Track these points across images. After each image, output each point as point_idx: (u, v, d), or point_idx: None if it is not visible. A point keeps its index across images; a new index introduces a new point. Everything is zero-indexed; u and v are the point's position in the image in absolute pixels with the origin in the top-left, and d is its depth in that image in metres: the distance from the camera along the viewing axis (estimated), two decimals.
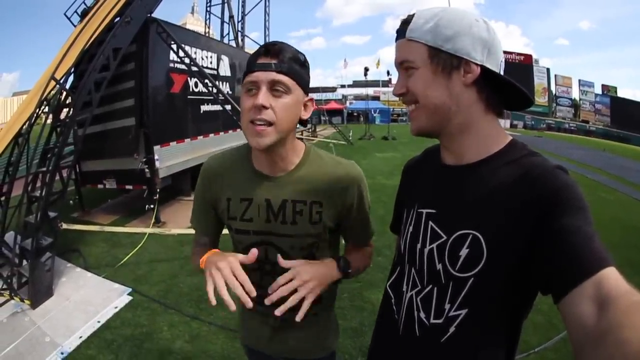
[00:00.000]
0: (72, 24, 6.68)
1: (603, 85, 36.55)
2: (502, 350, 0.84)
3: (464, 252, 0.81)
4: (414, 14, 0.85)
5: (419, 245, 0.92)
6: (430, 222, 0.90)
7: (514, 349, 0.86)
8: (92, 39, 4.96)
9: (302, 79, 1.09)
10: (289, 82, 1.05)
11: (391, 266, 1.10)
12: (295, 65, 1.06)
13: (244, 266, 1.02)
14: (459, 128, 0.85)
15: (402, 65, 0.86)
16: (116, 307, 3.85)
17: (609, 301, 0.56)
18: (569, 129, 33.33)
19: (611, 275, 0.60)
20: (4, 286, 3.94)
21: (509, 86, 0.84)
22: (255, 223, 1.19)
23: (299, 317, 1.02)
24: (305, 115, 1.13)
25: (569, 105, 37.43)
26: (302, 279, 1.04)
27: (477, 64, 0.80)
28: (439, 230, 0.87)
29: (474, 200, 0.83)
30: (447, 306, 0.85)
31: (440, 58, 0.80)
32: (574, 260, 0.63)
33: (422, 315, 0.90)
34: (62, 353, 3.16)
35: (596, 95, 36.39)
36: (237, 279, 0.96)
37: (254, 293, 0.95)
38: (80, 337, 3.39)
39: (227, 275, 0.96)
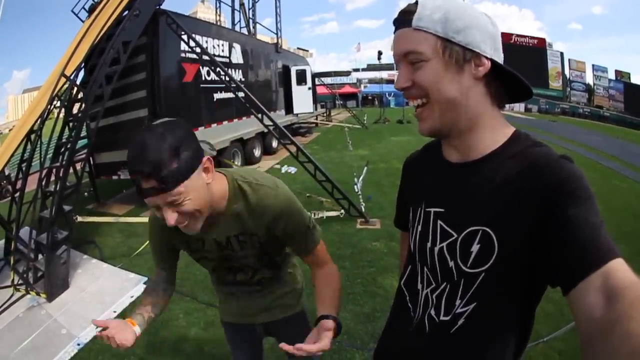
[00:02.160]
0: (80, 20, 6.70)
1: (616, 71, 35.59)
2: (512, 339, 0.85)
3: (475, 248, 0.80)
4: (416, 3, 0.79)
5: (429, 244, 0.91)
6: (439, 221, 0.89)
7: (526, 337, 0.87)
8: (101, 33, 4.95)
9: (188, 171, 1.02)
10: (179, 191, 1.01)
11: (403, 263, 1.10)
12: (174, 169, 0.99)
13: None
14: (468, 124, 0.82)
15: (407, 56, 0.79)
16: (132, 297, 3.88)
17: (617, 293, 0.56)
18: (583, 113, 32.61)
19: (619, 267, 0.60)
20: (20, 281, 4.01)
21: (513, 79, 0.82)
22: (212, 253, 1.36)
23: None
24: (209, 178, 1.12)
25: (583, 90, 36.64)
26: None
27: (487, 58, 0.78)
28: (448, 229, 0.86)
29: (482, 196, 0.81)
30: (457, 302, 0.85)
31: (453, 50, 0.76)
32: (581, 252, 0.63)
33: (433, 312, 0.90)
34: (78, 344, 3.20)
35: (610, 80, 35.50)
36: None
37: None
38: (96, 327, 3.44)
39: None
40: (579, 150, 13.31)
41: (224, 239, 1.29)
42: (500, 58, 0.81)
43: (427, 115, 0.82)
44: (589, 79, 36.69)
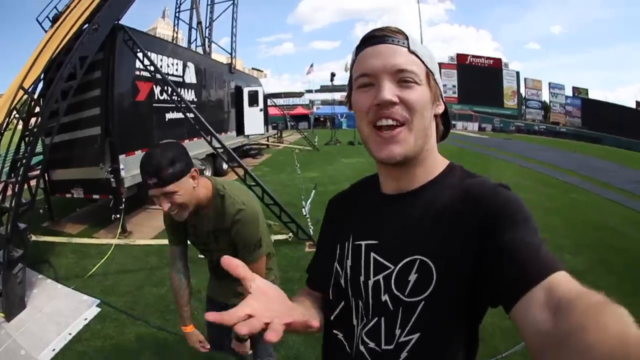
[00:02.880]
0: (44, 29, 6.72)
1: (574, 88, 38.04)
2: None
3: (412, 277, 0.81)
4: (397, 28, 0.85)
5: (362, 278, 0.90)
6: (372, 254, 0.89)
7: (472, 357, 0.88)
8: (60, 46, 5.05)
9: (181, 174, 1.60)
10: (173, 187, 1.57)
11: (326, 306, 1.03)
12: (170, 171, 1.56)
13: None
14: (424, 155, 0.87)
15: (401, 73, 0.80)
16: (86, 319, 3.96)
17: (565, 304, 0.56)
18: (539, 130, 34.41)
19: (562, 279, 0.61)
20: None
21: (446, 121, 0.95)
22: (199, 239, 1.96)
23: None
24: (196, 183, 1.68)
25: (539, 107, 38.82)
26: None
27: (443, 101, 0.90)
28: (383, 261, 0.86)
29: (418, 225, 0.83)
30: (397, 331, 0.84)
31: (435, 83, 0.85)
32: (521, 269, 0.65)
33: (372, 345, 0.88)
34: None
35: (567, 97, 37.81)
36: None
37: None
38: (54, 349, 3.49)
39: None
40: (536, 167, 14.04)
41: (205, 232, 1.87)
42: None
43: (404, 137, 0.81)
44: (545, 96, 38.85)
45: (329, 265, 1.02)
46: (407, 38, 0.82)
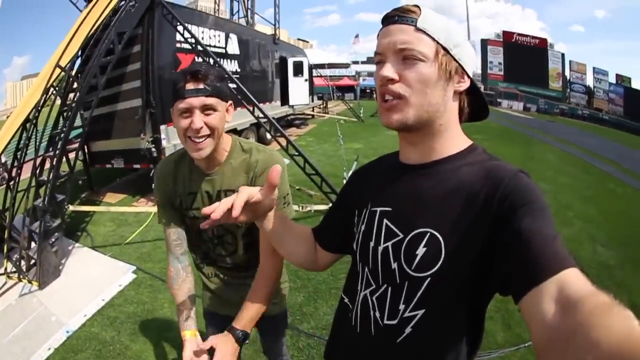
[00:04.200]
0: (78, 9, 6.71)
1: (617, 75, 35.65)
2: (463, 348, 0.85)
3: (420, 250, 0.80)
4: (416, 6, 0.83)
5: (372, 244, 0.91)
6: (385, 220, 0.89)
7: (477, 344, 0.88)
8: (97, 24, 5.00)
9: (224, 94, 1.31)
10: (215, 102, 1.27)
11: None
12: (218, 84, 1.27)
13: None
14: (439, 129, 0.85)
15: (403, 51, 0.80)
16: (120, 285, 4.00)
17: (575, 301, 0.55)
18: (582, 115, 32.65)
19: (574, 276, 0.60)
20: (13, 269, 4.11)
21: (478, 101, 0.91)
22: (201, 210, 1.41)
23: None
24: (229, 117, 1.37)
25: (583, 92, 36.70)
26: None
27: (468, 76, 0.85)
28: (394, 229, 0.86)
29: (434, 198, 0.83)
30: (401, 307, 0.84)
31: (449, 60, 0.81)
32: (535, 260, 0.63)
33: (377, 314, 0.89)
34: (67, 332, 3.32)
35: (610, 84, 35.57)
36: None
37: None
38: (85, 315, 3.54)
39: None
40: (577, 153, 13.41)
41: (215, 193, 1.44)
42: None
43: (400, 108, 0.82)
44: (589, 81, 36.71)
45: (337, 225, 1.09)
46: (419, 15, 0.81)
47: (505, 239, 0.70)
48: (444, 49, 0.81)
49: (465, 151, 0.87)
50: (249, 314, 1.41)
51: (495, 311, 3.32)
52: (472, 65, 0.87)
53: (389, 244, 0.87)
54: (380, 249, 0.88)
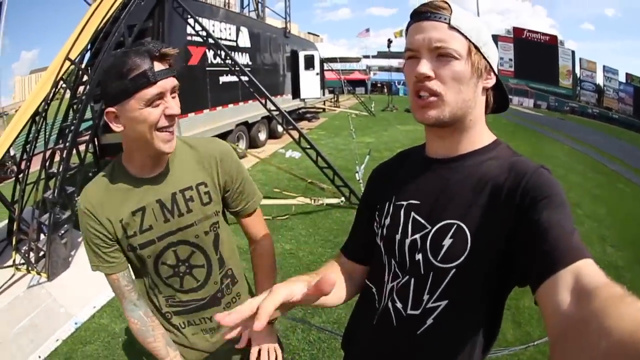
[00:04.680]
0: (87, 2, 6.65)
1: (627, 74, 35.00)
2: (480, 341, 0.87)
3: (447, 242, 0.82)
4: (446, 2, 0.82)
5: (398, 237, 0.91)
6: (413, 213, 0.90)
7: (493, 338, 0.90)
8: (107, 17, 4.96)
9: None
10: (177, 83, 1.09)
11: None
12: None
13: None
14: (468, 124, 0.87)
15: (438, 49, 0.80)
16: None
17: (589, 291, 0.56)
18: (592, 114, 32.07)
19: (589, 267, 0.61)
20: (22, 261, 4.09)
21: (500, 94, 0.92)
22: (156, 229, 1.19)
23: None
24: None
25: (593, 90, 36.11)
26: (265, 346, 1.23)
27: (494, 73, 0.87)
28: (422, 221, 0.87)
29: (460, 190, 0.84)
30: (425, 297, 0.86)
31: (479, 58, 0.82)
32: (552, 250, 0.65)
33: (399, 305, 0.90)
34: (75, 323, 3.30)
35: (620, 83, 34.92)
36: None
37: None
38: (94, 306, 3.52)
39: None
40: (587, 151, 13.24)
41: (170, 197, 1.19)
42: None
43: (437, 106, 0.82)
44: (599, 79, 36.09)
45: (366, 233, 1.05)
46: (451, 12, 0.80)
47: (525, 230, 0.71)
48: (475, 47, 0.81)
49: (490, 146, 0.89)
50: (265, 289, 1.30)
51: (505, 309, 3.22)
52: (496, 62, 0.88)
53: (417, 236, 0.87)
54: (407, 241, 0.89)
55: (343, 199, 5.64)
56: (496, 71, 0.87)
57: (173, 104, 1.06)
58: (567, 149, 13.31)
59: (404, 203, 0.92)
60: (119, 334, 3.16)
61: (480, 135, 0.89)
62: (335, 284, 0.67)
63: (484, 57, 0.83)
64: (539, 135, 16.26)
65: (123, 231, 1.16)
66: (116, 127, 1.07)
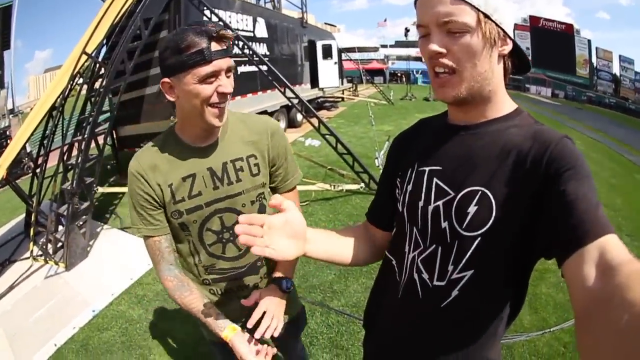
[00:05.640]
0: None
1: None
2: (504, 312, 0.86)
3: (472, 209, 0.79)
4: None
5: (421, 203, 0.88)
6: (435, 179, 0.86)
7: (518, 308, 0.88)
8: (122, 11, 4.92)
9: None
10: (233, 64, 1.13)
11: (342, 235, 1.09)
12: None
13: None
14: (488, 95, 0.82)
15: (447, 24, 0.75)
16: (149, 264, 3.90)
17: (613, 267, 0.55)
18: (609, 104, 31.04)
19: (615, 243, 0.60)
20: (40, 252, 4.12)
21: (518, 57, 0.85)
22: (204, 195, 1.22)
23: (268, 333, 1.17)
24: None
25: (610, 80, 35.04)
26: (270, 311, 1.18)
27: (510, 38, 0.80)
28: (445, 187, 0.84)
29: (484, 158, 0.81)
30: (450, 267, 0.83)
31: (491, 26, 0.76)
32: (579, 223, 0.63)
33: (425, 276, 0.87)
34: (93, 310, 3.31)
35: (636, 73, 33.84)
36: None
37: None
38: (112, 294, 3.52)
39: None
40: (604, 140, 12.87)
41: (220, 166, 1.22)
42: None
43: (453, 83, 0.79)
44: (616, 69, 35.01)
45: (388, 200, 1.02)
46: None
47: (551, 200, 0.69)
48: (485, 15, 0.75)
49: (512, 114, 0.85)
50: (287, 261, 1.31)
51: None
52: (512, 26, 0.81)
53: (440, 202, 0.84)
54: (430, 208, 0.86)
55: (363, 184, 5.57)
56: (512, 35, 0.80)
57: (227, 83, 1.10)
58: (584, 137, 12.92)
59: (427, 169, 0.89)
60: (137, 319, 3.16)
61: (501, 103, 0.85)
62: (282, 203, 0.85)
63: (496, 24, 0.76)
64: (557, 124, 15.81)
65: (171, 196, 1.19)
66: (170, 97, 1.13)
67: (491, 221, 0.76)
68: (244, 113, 1.35)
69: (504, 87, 0.85)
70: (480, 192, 0.78)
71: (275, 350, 1.23)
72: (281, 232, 0.85)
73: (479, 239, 0.78)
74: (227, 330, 1.21)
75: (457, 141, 0.87)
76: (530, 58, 0.88)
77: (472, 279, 0.81)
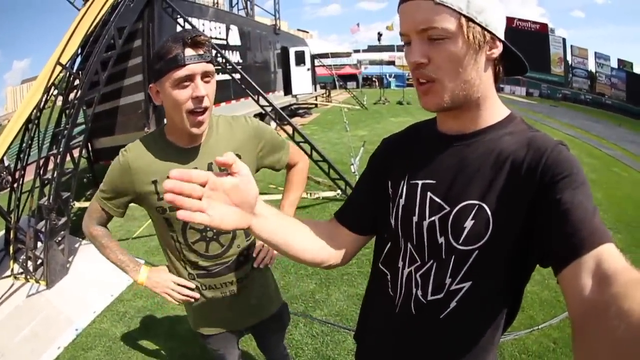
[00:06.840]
0: (76, 8, 6.63)
1: (619, 60, 35.03)
2: (501, 321, 0.87)
3: (468, 223, 0.78)
4: None
5: (415, 219, 0.87)
6: (429, 193, 0.85)
7: (514, 316, 0.90)
8: (96, 20, 4.92)
9: (214, 61, 1.25)
10: (212, 70, 1.20)
11: (374, 246, 1.04)
12: (210, 48, 1.20)
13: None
14: (477, 102, 0.81)
15: (427, 31, 0.73)
16: (129, 280, 3.86)
17: (610, 276, 0.56)
18: (585, 100, 32.08)
19: (611, 251, 0.61)
20: (20, 270, 4.06)
21: (513, 59, 0.83)
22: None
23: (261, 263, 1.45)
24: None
25: (585, 76, 36.17)
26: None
27: (500, 40, 0.78)
28: (440, 202, 0.83)
29: (478, 169, 0.80)
30: (447, 280, 0.83)
31: (475, 30, 0.73)
32: (576, 232, 0.64)
33: (419, 292, 0.87)
34: (76, 329, 3.27)
35: (612, 69, 34.94)
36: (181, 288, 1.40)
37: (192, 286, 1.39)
38: (94, 311, 3.49)
39: (176, 290, 1.40)
40: (581, 136, 13.26)
41: (206, 167, 1.28)
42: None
43: (436, 90, 0.78)
44: (591, 66, 36.10)
45: (366, 201, 1.02)
46: None
47: (546, 208, 0.69)
48: (468, 18, 0.73)
49: (505, 120, 0.84)
50: (289, 199, 1.56)
51: None
52: (502, 27, 0.79)
53: (435, 217, 0.83)
54: (425, 223, 0.85)
55: (339, 191, 5.64)
56: (502, 36, 0.78)
57: (202, 87, 1.15)
58: (561, 135, 13.24)
59: (419, 182, 0.87)
60: (120, 337, 3.15)
61: (492, 109, 0.84)
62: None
63: (482, 27, 0.74)
64: (533, 122, 16.19)
65: (155, 192, 1.27)
66: (157, 101, 1.22)
67: (488, 234, 0.77)
68: (233, 116, 1.43)
69: (495, 92, 0.84)
70: (477, 206, 0.78)
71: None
72: (225, 197, 0.74)
73: (476, 252, 0.78)
74: (145, 268, 1.44)
75: (451, 153, 0.85)
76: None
77: (471, 289, 0.81)
